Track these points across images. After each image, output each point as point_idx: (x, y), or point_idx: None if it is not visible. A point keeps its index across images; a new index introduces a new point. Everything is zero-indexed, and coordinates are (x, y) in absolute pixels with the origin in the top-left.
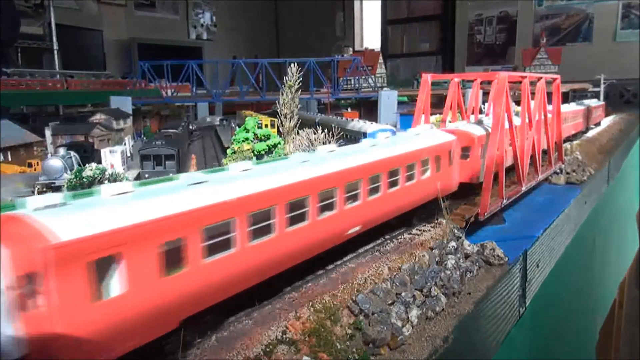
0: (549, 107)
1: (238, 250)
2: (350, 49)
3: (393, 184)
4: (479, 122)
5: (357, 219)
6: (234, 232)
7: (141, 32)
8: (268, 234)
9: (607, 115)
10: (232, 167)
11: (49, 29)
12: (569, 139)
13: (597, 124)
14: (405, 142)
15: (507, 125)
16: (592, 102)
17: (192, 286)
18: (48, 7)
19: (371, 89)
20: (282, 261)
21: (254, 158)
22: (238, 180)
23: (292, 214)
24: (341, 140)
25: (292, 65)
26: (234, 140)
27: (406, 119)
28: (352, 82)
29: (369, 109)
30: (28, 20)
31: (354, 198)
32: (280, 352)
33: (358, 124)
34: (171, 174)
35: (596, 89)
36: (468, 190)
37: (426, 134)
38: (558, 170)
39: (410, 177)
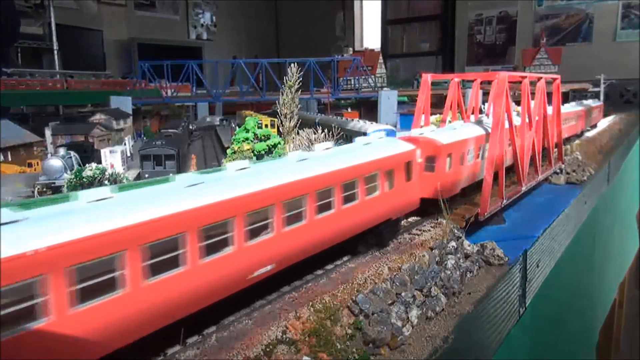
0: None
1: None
2: (350, 49)
3: (323, 208)
4: (465, 125)
5: (267, 257)
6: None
7: (141, 32)
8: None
9: (606, 115)
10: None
11: (49, 29)
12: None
13: (594, 126)
14: (348, 154)
15: (507, 125)
16: (589, 103)
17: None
18: (48, 7)
19: (371, 89)
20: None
21: (254, 158)
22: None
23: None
24: (341, 141)
25: (292, 65)
26: (234, 140)
27: (406, 119)
28: (352, 82)
29: (369, 109)
30: (28, 20)
31: (262, 230)
32: (280, 352)
33: (358, 124)
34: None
35: (596, 89)
36: (468, 190)
37: (378, 144)
38: (558, 170)
39: (349, 198)
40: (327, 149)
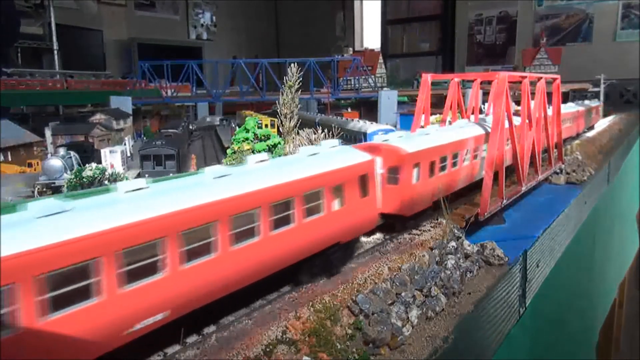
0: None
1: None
2: (350, 49)
3: (244, 234)
4: (446, 128)
5: (161, 302)
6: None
7: (141, 32)
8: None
9: (606, 115)
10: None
11: (49, 29)
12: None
13: (591, 127)
14: (284, 168)
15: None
16: (587, 103)
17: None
18: (48, 7)
19: (371, 89)
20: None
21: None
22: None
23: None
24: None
25: (292, 65)
26: (234, 140)
27: (406, 119)
28: (352, 82)
29: (369, 109)
30: (28, 20)
31: (150, 271)
32: (280, 352)
33: (358, 124)
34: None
35: (596, 89)
36: (468, 190)
37: (327, 155)
38: (558, 170)
39: (281, 222)
40: (261, 161)
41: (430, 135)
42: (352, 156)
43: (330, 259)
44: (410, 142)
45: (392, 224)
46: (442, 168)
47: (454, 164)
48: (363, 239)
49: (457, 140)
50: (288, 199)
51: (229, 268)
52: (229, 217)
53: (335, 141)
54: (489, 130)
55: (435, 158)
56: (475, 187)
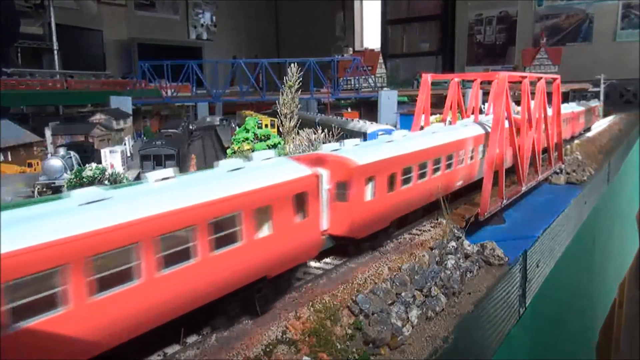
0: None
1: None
2: (350, 49)
3: (118, 279)
4: (418, 133)
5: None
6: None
7: (141, 32)
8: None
9: (606, 115)
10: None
11: (49, 29)
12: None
13: (588, 129)
14: (185, 189)
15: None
16: (582, 103)
17: None
18: (48, 7)
19: (371, 89)
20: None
21: None
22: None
23: None
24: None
25: (292, 65)
26: (234, 140)
27: (406, 119)
28: (352, 82)
29: (369, 109)
30: (28, 20)
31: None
32: (280, 352)
33: (358, 124)
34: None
35: (596, 89)
36: (468, 190)
37: (252, 170)
38: (558, 170)
39: (177, 257)
40: (163, 179)
41: (395, 142)
42: (286, 171)
43: (253, 296)
44: (363, 152)
45: (346, 246)
46: (406, 181)
47: (422, 175)
48: (312, 264)
49: (429, 148)
50: (186, 229)
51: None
52: (85, 258)
53: (271, 152)
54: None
55: (395, 170)
56: (475, 187)
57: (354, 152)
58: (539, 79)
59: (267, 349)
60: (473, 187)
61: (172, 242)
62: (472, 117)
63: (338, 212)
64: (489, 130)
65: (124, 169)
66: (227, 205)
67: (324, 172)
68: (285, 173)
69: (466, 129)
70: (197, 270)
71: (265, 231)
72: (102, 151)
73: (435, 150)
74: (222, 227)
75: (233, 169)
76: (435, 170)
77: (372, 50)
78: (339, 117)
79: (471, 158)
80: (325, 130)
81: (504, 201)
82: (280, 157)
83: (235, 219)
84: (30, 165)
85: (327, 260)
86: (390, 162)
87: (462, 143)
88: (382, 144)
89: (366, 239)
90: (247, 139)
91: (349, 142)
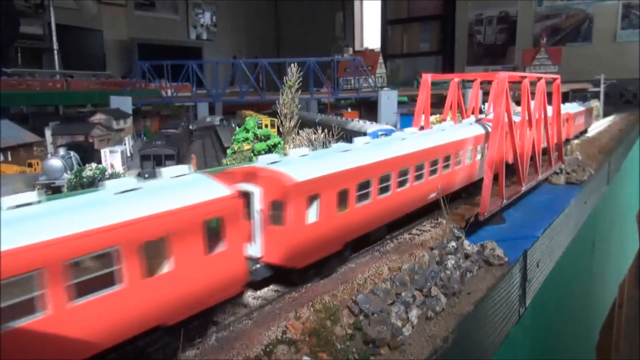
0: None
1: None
2: (350, 49)
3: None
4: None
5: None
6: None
7: (141, 32)
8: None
9: (606, 115)
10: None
11: (49, 29)
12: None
13: (584, 132)
14: (44, 219)
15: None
16: (575, 104)
17: None
18: (48, 7)
19: (371, 89)
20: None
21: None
22: None
23: None
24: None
25: (292, 65)
26: (234, 140)
27: (406, 119)
28: (352, 82)
29: (369, 109)
30: (28, 20)
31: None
32: (280, 352)
33: (358, 124)
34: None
35: (596, 89)
36: (468, 190)
37: (148, 193)
38: (558, 170)
39: (25, 309)
40: (27, 204)
41: (350, 152)
42: (195, 192)
43: (147, 352)
44: (307, 165)
45: (288, 274)
46: (362, 197)
47: (385, 189)
48: (249, 294)
49: (392, 158)
50: (29, 274)
51: None
52: None
53: (185, 167)
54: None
55: (348, 185)
56: (475, 187)
57: (295, 165)
58: (539, 79)
59: (267, 349)
60: (473, 188)
61: None
62: (449, 120)
63: (273, 237)
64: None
65: (124, 169)
66: (96, 240)
67: (256, 190)
68: (192, 195)
69: (444, 134)
70: (59, 324)
71: (161, 269)
72: (102, 151)
73: (401, 160)
74: (87, 270)
75: (122, 191)
76: (401, 183)
77: (372, 50)
78: (339, 117)
79: (453, 165)
80: (326, 130)
81: (504, 201)
82: (196, 174)
83: (110, 257)
84: (30, 165)
85: (266, 289)
86: (340, 176)
87: (438, 150)
88: (334, 154)
89: (312, 266)
90: (247, 139)
91: (295, 153)
